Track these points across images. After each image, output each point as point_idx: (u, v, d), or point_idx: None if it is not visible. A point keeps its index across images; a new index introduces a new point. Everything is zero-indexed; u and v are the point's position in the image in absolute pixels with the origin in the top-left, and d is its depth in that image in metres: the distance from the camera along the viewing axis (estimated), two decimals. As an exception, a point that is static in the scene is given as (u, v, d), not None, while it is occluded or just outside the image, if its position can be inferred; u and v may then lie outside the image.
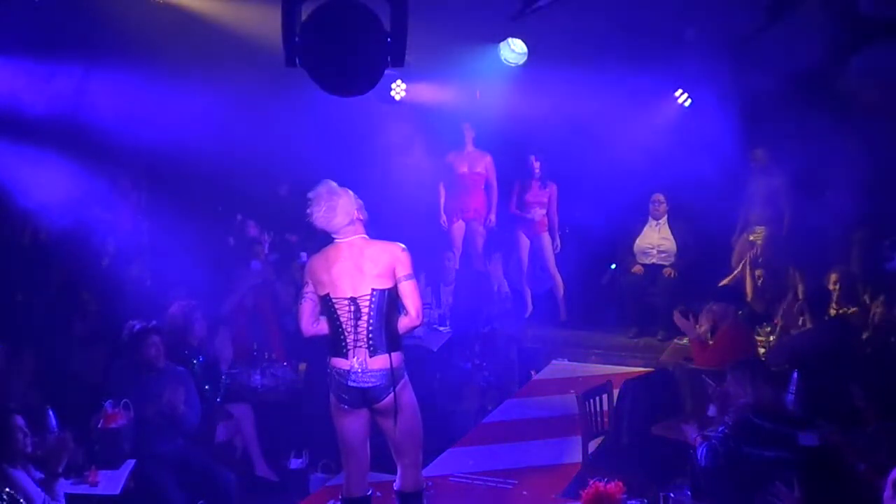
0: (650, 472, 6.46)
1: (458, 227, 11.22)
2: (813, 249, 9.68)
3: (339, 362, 5.50)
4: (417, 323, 5.63)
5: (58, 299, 8.50)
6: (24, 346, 6.98)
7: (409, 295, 5.52)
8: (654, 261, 10.49)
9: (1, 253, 8.58)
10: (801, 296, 8.75)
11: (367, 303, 5.44)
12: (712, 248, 10.65)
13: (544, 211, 10.99)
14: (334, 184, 5.55)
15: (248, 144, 10.01)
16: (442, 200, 11.22)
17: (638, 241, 10.56)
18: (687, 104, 10.76)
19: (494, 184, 11.16)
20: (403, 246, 5.56)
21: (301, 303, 5.65)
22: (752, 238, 10.41)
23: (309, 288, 5.59)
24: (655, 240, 10.49)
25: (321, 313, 5.61)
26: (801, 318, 8.43)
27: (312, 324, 5.64)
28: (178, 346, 7.31)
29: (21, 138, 8.29)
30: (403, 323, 5.57)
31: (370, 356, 5.45)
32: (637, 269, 10.55)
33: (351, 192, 5.57)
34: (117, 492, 5.93)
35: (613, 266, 11.15)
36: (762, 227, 10.31)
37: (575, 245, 11.34)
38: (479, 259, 11.13)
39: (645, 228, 10.56)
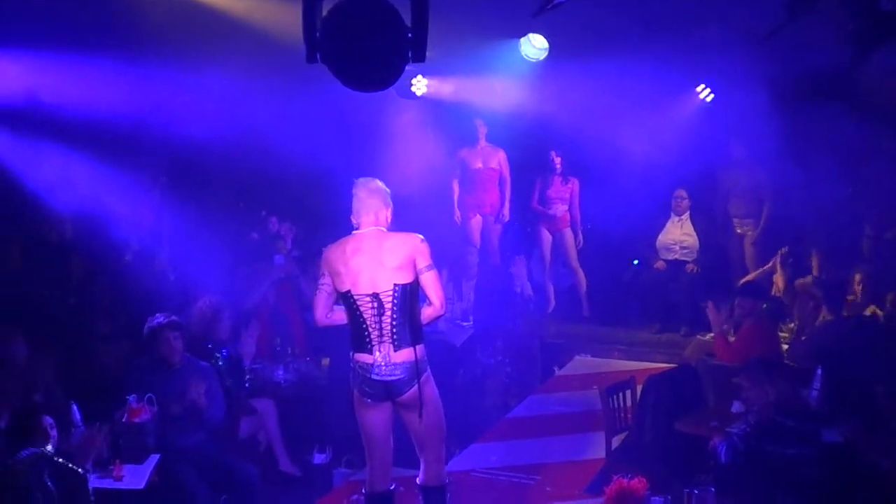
0: (674, 468, 6.45)
1: (476, 223, 11.21)
2: (835, 246, 9.64)
3: (363, 357, 5.50)
4: (441, 312, 5.64)
5: (81, 295, 8.52)
6: (47, 342, 7.00)
7: (432, 285, 5.52)
8: (676, 257, 10.46)
9: (25, 250, 8.60)
10: (818, 293, 8.73)
11: (390, 298, 5.42)
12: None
13: (566, 206, 10.98)
14: (380, 182, 5.60)
15: (270, 140, 10.02)
16: (455, 197, 11.22)
17: (660, 236, 10.54)
18: (709, 99, 10.71)
19: (508, 179, 11.16)
20: (422, 237, 5.53)
21: (316, 293, 5.65)
22: (739, 231, 10.45)
23: (325, 279, 5.57)
24: (678, 236, 10.46)
25: (338, 306, 5.60)
26: (820, 315, 8.41)
27: (327, 315, 5.63)
28: (203, 341, 7.33)
29: (43, 134, 8.32)
30: (427, 313, 5.57)
31: (394, 350, 5.45)
32: (659, 264, 10.52)
33: (389, 199, 5.59)
34: (142, 486, 5.96)
35: (636, 262, 11.12)
36: (749, 220, 10.37)
37: (597, 241, 11.32)
38: (495, 254, 11.14)
39: (667, 224, 10.53)
